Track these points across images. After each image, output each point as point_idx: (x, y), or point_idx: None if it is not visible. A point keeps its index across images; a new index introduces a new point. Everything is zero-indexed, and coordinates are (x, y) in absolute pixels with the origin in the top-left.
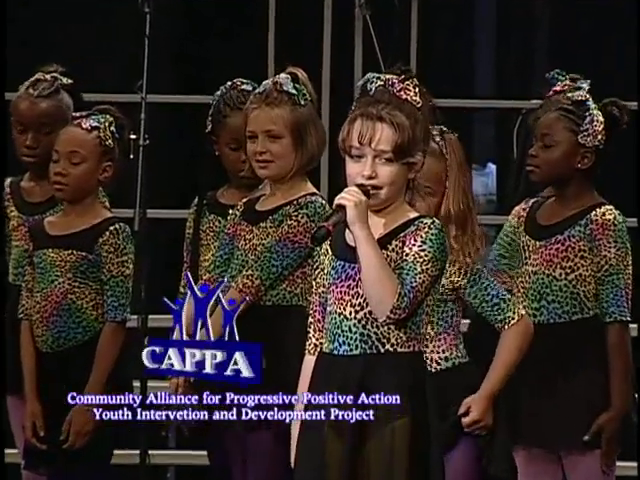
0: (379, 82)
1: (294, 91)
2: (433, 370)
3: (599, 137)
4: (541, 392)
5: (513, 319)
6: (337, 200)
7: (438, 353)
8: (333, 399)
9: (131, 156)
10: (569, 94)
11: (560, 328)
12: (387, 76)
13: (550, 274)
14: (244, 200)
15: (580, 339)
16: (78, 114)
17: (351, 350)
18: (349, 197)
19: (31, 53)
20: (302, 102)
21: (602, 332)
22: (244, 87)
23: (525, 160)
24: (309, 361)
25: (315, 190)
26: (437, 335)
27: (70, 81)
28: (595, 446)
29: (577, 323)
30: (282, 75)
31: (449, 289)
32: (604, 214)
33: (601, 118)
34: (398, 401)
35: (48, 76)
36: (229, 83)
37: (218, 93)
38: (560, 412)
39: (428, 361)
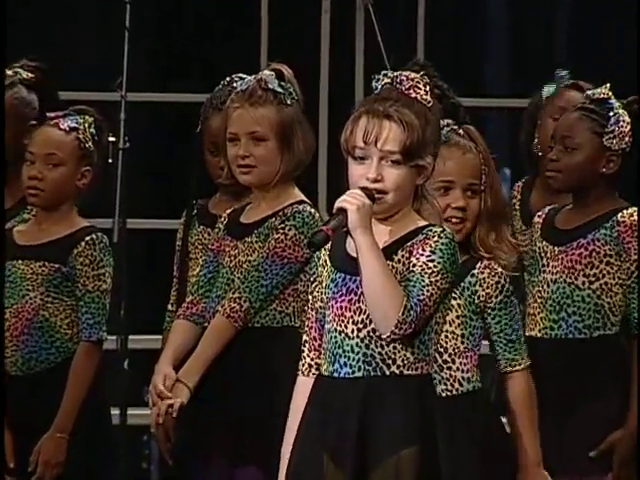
0: (386, 79)
1: (280, 89)
2: (454, 392)
3: (626, 139)
4: (550, 414)
5: (520, 365)
6: (338, 203)
7: (462, 372)
8: (333, 426)
9: (110, 160)
10: (588, 92)
11: (579, 345)
12: (395, 73)
13: (572, 282)
14: (227, 212)
15: (600, 359)
16: (54, 114)
17: (353, 372)
18: (351, 200)
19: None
20: (288, 102)
21: (626, 352)
22: (236, 84)
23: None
24: (303, 383)
25: (303, 197)
26: (465, 351)
27: (31, 75)
28: (607, 469)
29: (598, 340)
30: (266, 72)
31: (482, 301)
32: (632, 215)
33: (627, 118)
34: (404, 429)
35: (10, 71)
36: (227, 79)
37: (214, 90)
38: (572, 437)
39: (450, 381)
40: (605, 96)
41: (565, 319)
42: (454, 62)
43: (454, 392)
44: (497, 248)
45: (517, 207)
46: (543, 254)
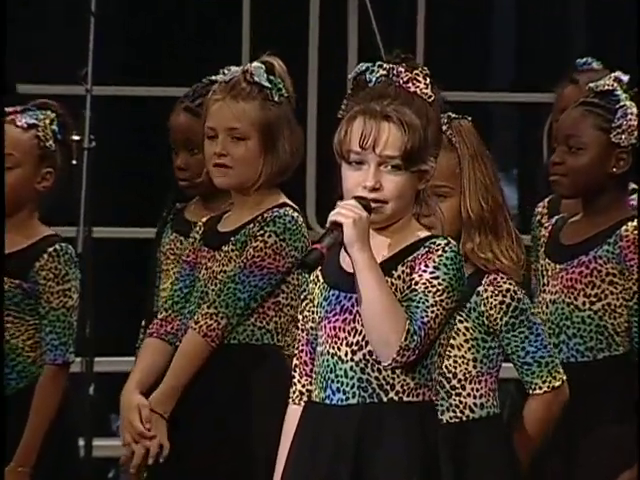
0: (381, 71)
1: (267, 84)
2: (464, 419)
3: (635, 133)
4: (556, 443)
5: (540, 389)
6: (332, 216)
7: (474, 398)
8: (325, 458)
9: (74, 161)
10: (591, 84)
11: (583, 369)
12: (391, 65)
13: (571, 303)
14: (204, 219)
15: (607, 382)
16: (12, 109)
17: (347, 399)
18: (346, 213)
19: None
20: (276, 98)
21: (635, 374)
22: (217, 77)
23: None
24: (294, 412)
25: (285, 200)
26: (478, 376)
27: None
28: None
29: (604, 362)
30: (255, 64)
31: (490, 321)
32: (636, 229)
33: (635, 110)
34: (404, 461)
35: None
36: (224, 71)
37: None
38: (581, 467)
39: (460, 407)
40: (610, 88)
41: (566, 342)
42: (456, 52)
43: (463, 418)
44: (482, 259)
45: (544, 220)
46: (545, 272)
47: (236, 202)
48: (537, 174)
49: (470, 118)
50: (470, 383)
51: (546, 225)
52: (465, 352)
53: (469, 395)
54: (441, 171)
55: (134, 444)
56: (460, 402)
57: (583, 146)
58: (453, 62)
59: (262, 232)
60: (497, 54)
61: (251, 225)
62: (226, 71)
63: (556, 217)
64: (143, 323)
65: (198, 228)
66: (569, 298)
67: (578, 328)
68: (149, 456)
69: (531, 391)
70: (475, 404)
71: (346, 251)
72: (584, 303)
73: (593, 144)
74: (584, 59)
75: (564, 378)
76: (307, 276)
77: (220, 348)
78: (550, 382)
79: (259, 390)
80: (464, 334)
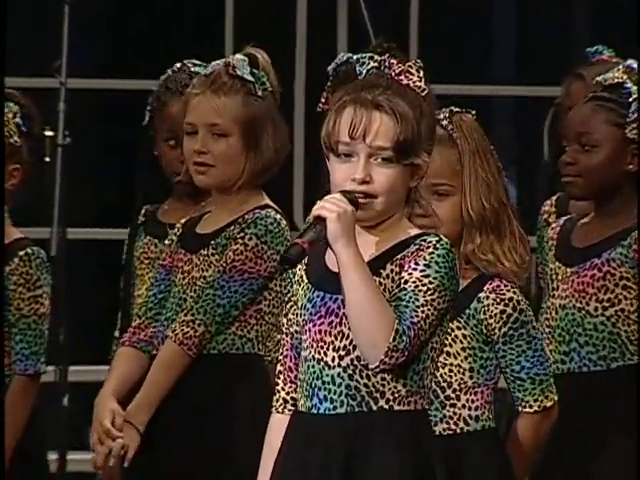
0: (372, 63)
1: (250, 77)
2: (458, 431)
3: None
4: (566, 459)
5: (530, 407)
6: (315, 211)
7: (469, 410)
8: (315, 469)
9: (47, 159)
10: (599, 78)
11: (595, 379)
12: (382, 57)
13: (582, 308)
14: (183, 221)
15: (621, 393)
16: None
17: (335, 408)
18: (330, 207)
19: None
20: (260, 92)
21: None
22: (195, 69)
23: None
24: (278, 421)
25: (268, 201)
26: (474, 387)
27: None
28: None
29: (618, 372)
30: (237, 56)
31: (489, 330)
32: None
33: None
34: (396, 472)
35: None
36: (178, 65)
37: (163, 77)
38: None
39: (454, 418)
40: (620, 80)
41: (577, 350)
42: (455, 44)
43: (457, 431)
44: (483, 261)
45: (551, 220)
46: (555, 276)
47: (217, 202)
48: (536, 171)
49: (474, 112)
50: (465, 394)
51: (554, 226)
52: (461, 361)
53: (464, 407)
54: (441, 168)
55: (98, 445)
56: (454, 413)
57: (597, 143)
58: (453, 61)
59: (242, 234)
60: (497, 53)
61: (231, 227)
62: (189, 64)
63: (563, 219)
64: (116, 334)
65: (176, 230)
66: (580, 303)
67: (590, 335)
68: (111, 456)
69: (521, 408)
70: (470, 416)
71: (331, 248)
72: (596, 308)
73: (607, 140)
74: (594, 47)
75: (556, 399)
76: (291, 276)
77: (200, 358)
78: (542, 402)
79: (240, 399)
80: (461, 342)
